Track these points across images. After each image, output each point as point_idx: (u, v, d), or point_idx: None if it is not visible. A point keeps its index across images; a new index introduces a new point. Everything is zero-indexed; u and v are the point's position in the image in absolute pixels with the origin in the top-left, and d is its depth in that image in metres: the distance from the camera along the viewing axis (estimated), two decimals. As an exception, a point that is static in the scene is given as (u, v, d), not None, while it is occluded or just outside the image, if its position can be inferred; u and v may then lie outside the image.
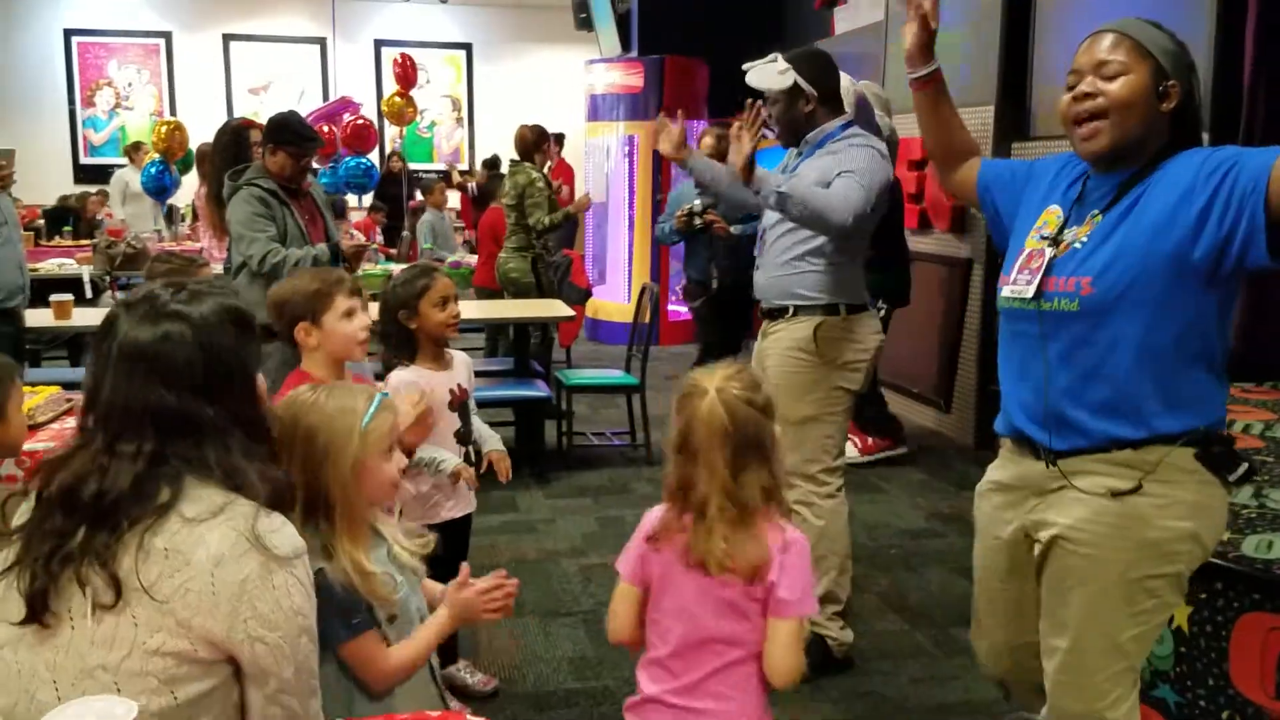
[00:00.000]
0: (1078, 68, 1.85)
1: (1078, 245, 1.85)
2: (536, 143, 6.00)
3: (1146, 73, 1.79)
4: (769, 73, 3.05)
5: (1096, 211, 1.86)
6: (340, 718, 1.63)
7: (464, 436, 2.84)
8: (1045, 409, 1.86)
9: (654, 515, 1.74)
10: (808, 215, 2.90)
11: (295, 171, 4.19)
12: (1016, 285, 1.91)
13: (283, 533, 1.35)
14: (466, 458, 2.84)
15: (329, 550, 1.60)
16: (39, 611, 1.28)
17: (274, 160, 4.15)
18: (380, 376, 3.06)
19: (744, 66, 3.11)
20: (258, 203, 4.07)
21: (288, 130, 4.18)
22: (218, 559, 1.29)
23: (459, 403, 2.82)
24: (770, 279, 3.15)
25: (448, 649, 2.99)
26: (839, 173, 2.93)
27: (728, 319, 5.26)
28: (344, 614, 1.59)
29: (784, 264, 3.09)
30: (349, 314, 2.41)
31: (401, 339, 2.79)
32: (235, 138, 5.21)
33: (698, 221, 5.00)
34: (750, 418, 1.63)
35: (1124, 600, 1.82)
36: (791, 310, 3.09)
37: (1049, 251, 1.88)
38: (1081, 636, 1.86)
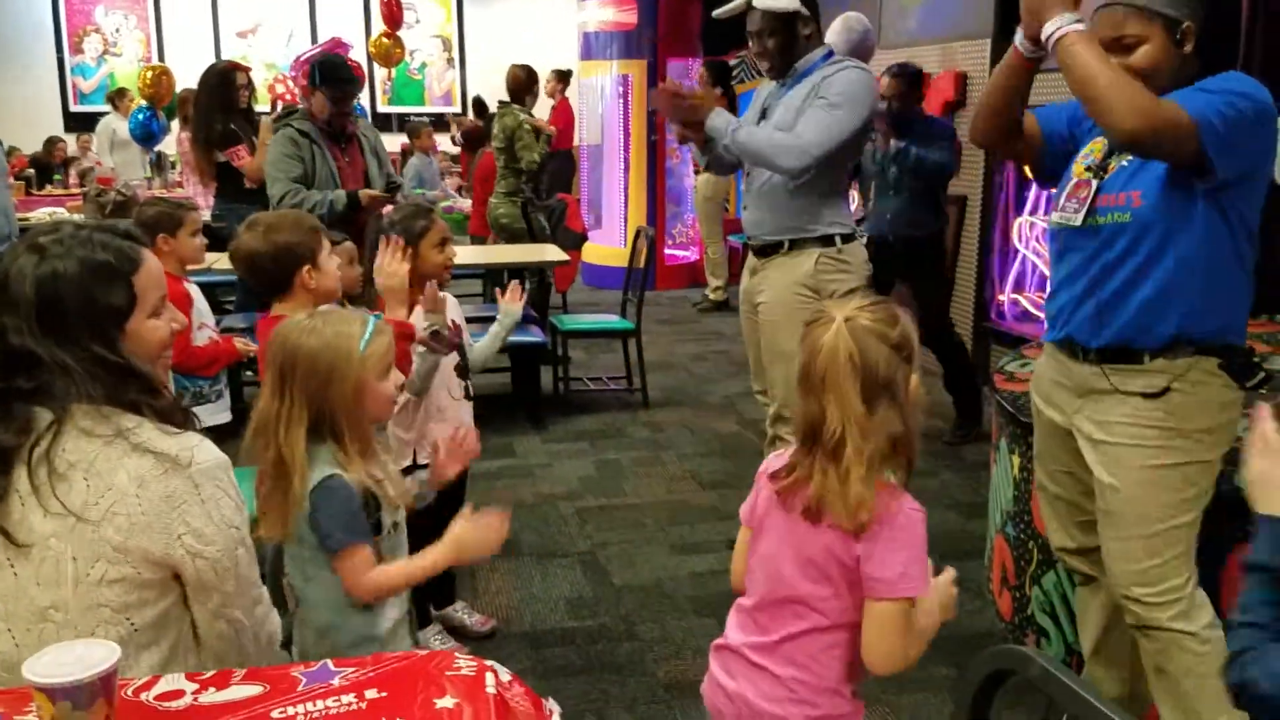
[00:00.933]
0: (1100, 41, 1.90)
1: (1124, 163, 1.96)
2: (528, 84, 5.92)
3: (1161, 32, 1.88)
4: None
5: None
6: (333, 623, 1.69)
7: (464, 370, 2.88)
8: (1092, 312, 1.99)
9: (777, 454, 1.62)
10: (761, 158, 2.98)
11: (334, 114, 4.23)
12: (1065, 213, 2.03)
13: (202, 446, 1.36)
14: (468, 393, 2.89)
15: (339, 463, 1.65)
16: None
17: (315, 102, 4.24)
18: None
19: (735, 8, 3.07)
20: (289, 144, 4.16)
21: (325, 72, 4.22)
22: (140, 479, 1.30)
23: (455, 341, 2.83)
24: (761, 214, 3.13)
25: (445, 590, 3.02)
26: (816, 101, 2.93)
27: (885, 278, 4.54)
28: (346, 522, 1.64)
29: (774, 197, 3.07)
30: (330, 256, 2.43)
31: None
32: (222, 80, 5.18)
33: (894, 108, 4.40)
34: (881, 353, 1.46)
35: (1168, 488, 1.95)
36: (786, 245, 3.08)
37: (1094, 182, 1.99)
38: (1133, 529, 1.97)
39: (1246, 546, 2.08)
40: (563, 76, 9.12)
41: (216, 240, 5.79)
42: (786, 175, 2.98)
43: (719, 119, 3.03)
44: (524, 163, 5.80)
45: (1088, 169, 2.02)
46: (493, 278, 6.20)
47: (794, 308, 2.98)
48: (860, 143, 3.12)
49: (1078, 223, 1.98)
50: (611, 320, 5.54)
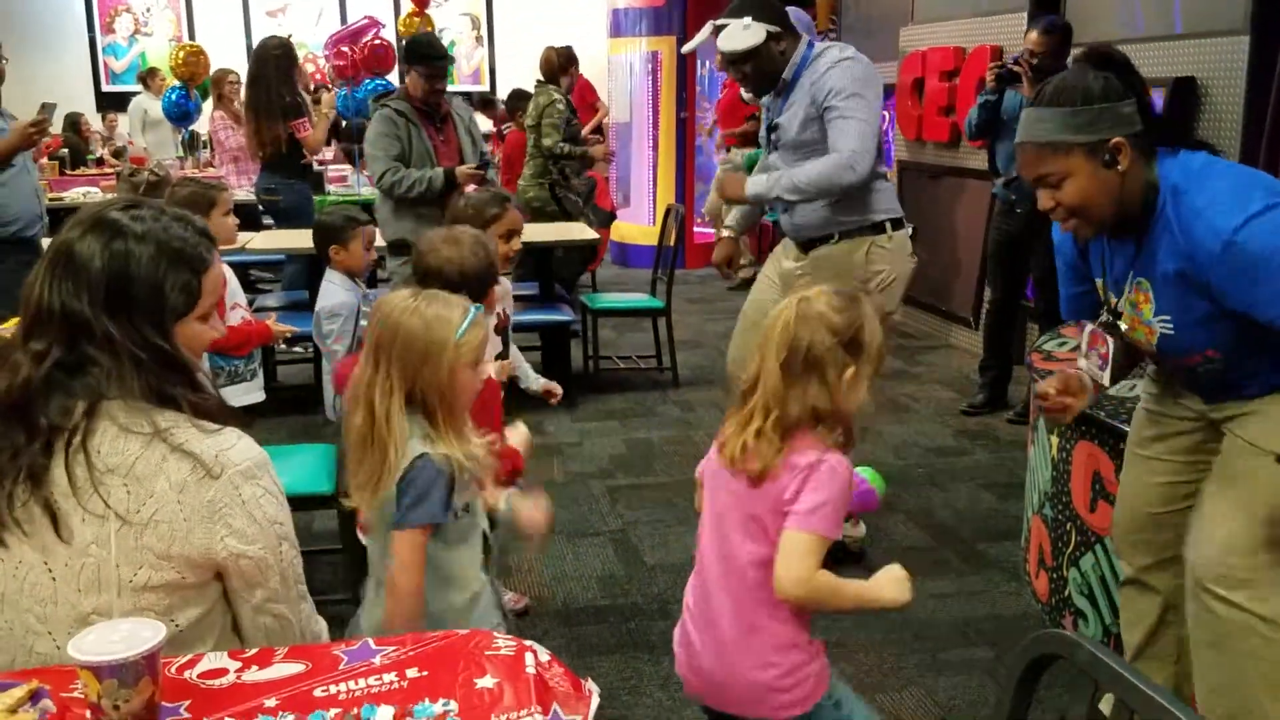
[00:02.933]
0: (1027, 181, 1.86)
1: (1168, 330, 1.86)
2: (563, 66, 5.90)
3: (1082, 159, 1.76)
4: (737, 35, 2.99)
5: (1141, 279, 1.87)
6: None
7: (503, 359, 2.88)
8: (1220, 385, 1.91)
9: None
10: (819, 197, 2.97)
11: (428, 92, 4.30)
12: (1090, 361, 1.99)
13: (239, 446, 1.35)
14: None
15: (430, 438, 1.66)
16: None
17: (411, 81, 4.31)
18: None
19: (703, 41, 3.08)
20: (387, 123, 4.24)
21: (417, 51, 4.27)
22: (180, 485, 1.29)
23: (503, 327, 2.84)
24: (802, 217, 3.11)
25: None
26: (831, 111, 2.93)
27: (1010, 245, 4.47)
28: (421, 503, 1.64)
29: (798, 209, 3.06)
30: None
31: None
32: (285, 53, 5.27)
33: (1011, 68, 4.25)
34: (818, 339, 1.59)
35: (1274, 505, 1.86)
36: (836, 237, 3.06)
37: (1109, 333, 1.95)
38: (1249, 518, 1.88)
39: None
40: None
41: (267, 212, 5.82)
42: (851, 189, 2.96)
43: (756, 185, 3.04)
44: (548, 142, 5.78)
45: (1100, 324, 1.97)
46: (524, 257, 6.20)
47: None
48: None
49: (1107, 387, 1.97)
50: (641, 299, 5.52)
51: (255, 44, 11.35)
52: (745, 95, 6.02)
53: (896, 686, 2.63)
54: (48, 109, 3.99)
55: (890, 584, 1.64)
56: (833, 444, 1.64)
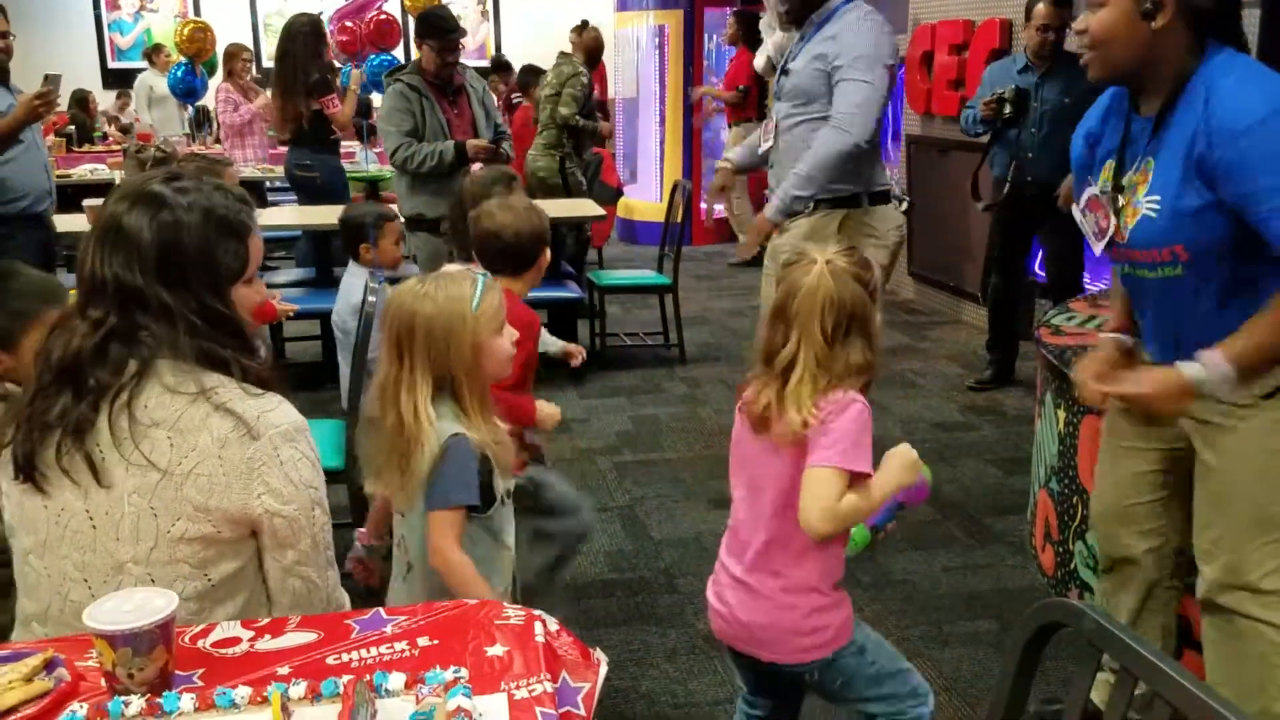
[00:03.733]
0: None
1: (1151, 212, 1.80)
2: (600, 49, 5.89)
3: None
4: None
5: (1148, 158, 1.81)
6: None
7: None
8: (1177, 341, 1.88)
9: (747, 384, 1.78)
10: (830, 175, 2.97)
11: (440, 66, 4.29)
12: (1085, 223, 1.94)
13: (281, 409, 1.37)
14: None
15: (461, 421, 1.68)
16: (28, 471, 1.32)
17: (424, 55, 4.29)
18: None
19: None
20: (399, 97, 4.24)
21: (429, 24, 4.27)
22: (223, 441, 1.31)
23: None
24: (785, 174, 3.10)
25: None
26: (839, 72, 2.91)
27: (1015, 227, 4.50)
28: (460, 482, 1.65)
29: (799, 156, 3.03)
30: None
31: (467, 236, 2.82)
32: (314, 30, 5.29)
33: (1008, 110, 4.23)
34: (855, 294, 1.63)
35: (1277, 473, 1.84)
36: (813, 205, 3.05)
37: (1112, 209, 1.87)
38: (1238, 509, 1.88)
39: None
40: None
41: (299, 188, 5.82)
42: (856, 152, 2.98)
43: (774, 210, 3.05)
44: (565, 111, 5.77)
45: (1102, 191, 1.91)
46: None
47: None
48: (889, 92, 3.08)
49: (1097, 253, 1.92)
50: (648, 275, 5.52)
51: (267, 20, 11.32)
52: (764, 26, 5.93)
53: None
54: (52, 80, 3.99)
55: (898, 470, 1.68)
56: (853, 386, 1.66)
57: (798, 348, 1.63)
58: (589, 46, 6.11)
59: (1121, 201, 1.86)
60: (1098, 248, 1.93)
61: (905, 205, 3.18)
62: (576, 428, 4.36)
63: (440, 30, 4.25)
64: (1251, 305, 1.77)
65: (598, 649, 1.34)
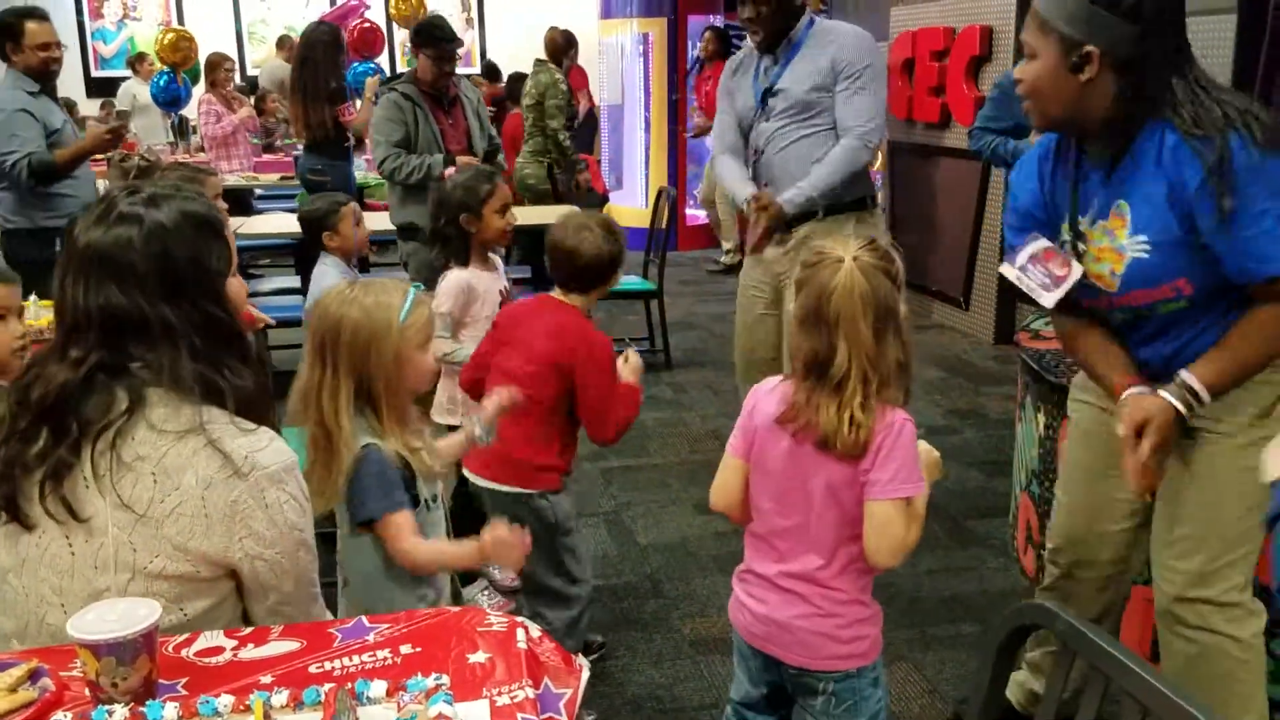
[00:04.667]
0: None
1: (1143, 253, 1.78)
2: (565, 47, 5.90)
3: (1052, 50, 1.72)
4: None
5: (1120, 200, 1.80)
6: (378, 599, 1.70)
7: None
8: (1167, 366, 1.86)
9: (765, 388, 1.71)
10: (846, 185, 2.99)
11: (437, 75, 4.28)
12: (1047, 294, 1.88)
13: (271, 448, 1.35)
14: None
15: (376, 432, 1.68)
16: (12, 512, 1.30)
17: (420, 64, 4.28)
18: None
19: None
20: (392, 107, 4.22)
21: (426, 33, 4.26)
22: (207, 482, 1.30)
23: (505, 302, 2.87)
24: (788, 187, 3.12)
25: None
26: (850, 82, 2.97)
27: None
28: (386, 488, 1.66)
29: (800, 168, 3.06)
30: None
31: (459, 241, 2.83)
32: (334, 38, 5.33)
33: None
34: (888, 288, 1.59)
35: (1250, 486, 1.85)
36: (821, 213, 3.06)
37: (1074, 257, 1.86)
38: (1208, 522, 1.88)
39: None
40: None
41: (313, 191, 5.83)
42: (873, 155, 3.07)
43: (794, 201, 3.02)
44: (554, 124, 5.78)
45: (1062, 242, 1.88)
46: (518, 239, 6.21)
47: None
48: None
49: (1048, 305, 1.87)
50: (633, 281, 5.53)
51: (251, 29, 11.30)
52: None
53: (885, 662, 2.62)
54: (121, 116, 4.08)
55: (929, 472, 1.68)
56: (898, 400, 1.62)
57: (849, 354, 1.57)
58: (549, 49, 6.11)
59: (1082, 248, 1.85)
60: (1049, 299, 1.87)
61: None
62: (562, 434, 4.37)
63: (438, 39, 4.24)
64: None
65: (580, 654, 1.35)
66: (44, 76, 4.07)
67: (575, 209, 2.55)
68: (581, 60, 9.33)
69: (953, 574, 3.11)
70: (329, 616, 1.54)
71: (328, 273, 3.17)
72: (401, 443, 1.68)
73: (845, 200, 3.06)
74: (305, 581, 1.41)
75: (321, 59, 5.21)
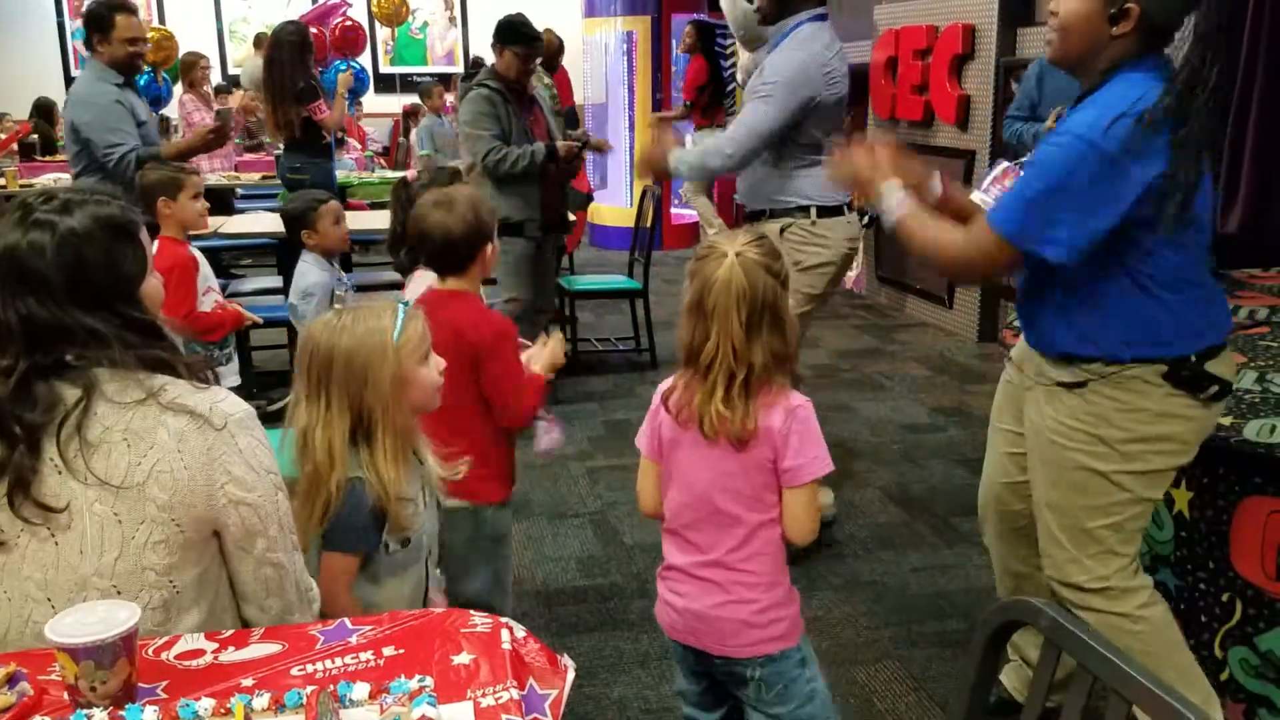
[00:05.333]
0: None
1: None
2: (559, 51, 5.87)
3: None
4: None
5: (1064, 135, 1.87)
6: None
7: None
8: (1029, 316, 1.97)
9: (665, 385, 1.77)
10: (703, 177, 3.06)
11: (521, 72, 4.31)
12: (983, 195, 2.03)
13: (230, 399, 1.37)
14: None
15: (366, 467, 1.62)
16: None
17: (501, 61, 4.29)
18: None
19: None
20: (485, 102, 4.23)
21: (514, 30, 4.27)
22: (179, 435, 1.30)
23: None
24: (751, 184, 3.22)
25: None
26: (754, 91, 3.02)
27: None
28: (348, 528, 1.61)
29: (762, 167, 3.10)
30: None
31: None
32: (302, 38, 5.34)
33: None
34: (767, 284, 1.65)
35: (1092, 491, 1.90)
36: (768, 213, 3.15)
37: (1016, 174, 1.94)
38: (1048, 517, 1.97)
39: (1257, 501, 2.11)
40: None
41: (293, 190, 5.85)
42: (720, 173, 3.14)
43: (676, 160, 3.11)
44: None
45: (1018, 162, 2.00)
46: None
47: None
48: (821, 114, 3.06)
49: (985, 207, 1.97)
50: (619, 280, 5.53)
51: (232, 27, 11.24)
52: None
53: (872, 659, 2.66)
54: (224, 115, 4.09)
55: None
56: (784, 386, 1.68)
57: (718, 343, 1.64)
58: (546, 53, 6.08)
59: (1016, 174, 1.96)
60: (979, 198, 2.00)
61: (866, 220, 3.19)
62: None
63: (527, 37, 4.28)
64: (1093, 312, 1.84)
65: (565, 655, 1.34)
66: (128, 70, 4.12)
67: (444, 190, 2.45)
68: (565, 59, 9.34)
69: (939, 571, 3.12)
70: (310, 580, 1.52)
71: (308, 270, 3.16)
72: (388, 485, 1.60)
73: (788, 205, 3.11)
74: (287, 526, 1.43)
75: (288, 59, 5.21)
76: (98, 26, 4.00)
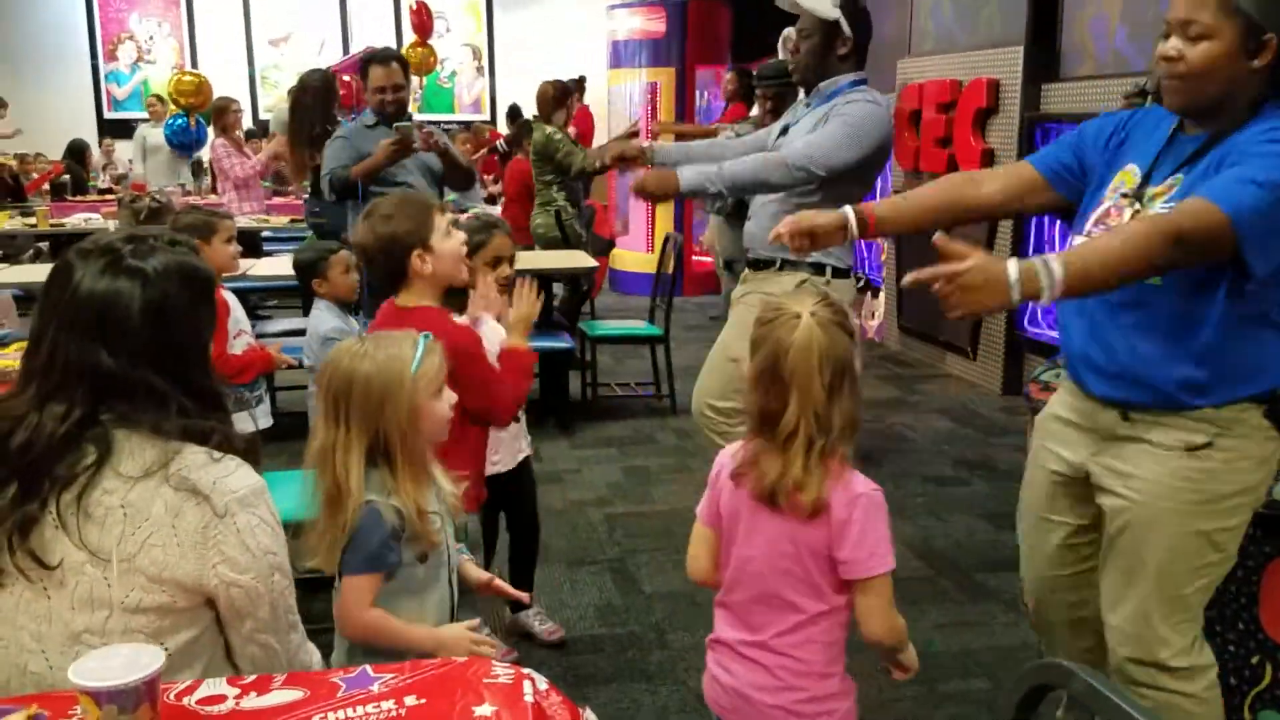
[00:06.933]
0: (1168, 19, 1.72)
1: (1158, 210, 1.76)
2: (559, 99, 5.89)
3: (1233, 33, 1.65)
4: (820, 2, 2.99)
5: (1179, 174, 1.78)
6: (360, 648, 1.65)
7: None
8: (1120, 370, 1.83)
9: (729, 452, 1.71)
10: (753, 184, 2.96)
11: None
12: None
13: (238, 474, 1.34)
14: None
15: (388, 488, 1.63)
16: None
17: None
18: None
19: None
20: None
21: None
22: (176, 510, 1.29)
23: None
24: (761, 229, 3.12)
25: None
26: (821, 123, 2.94)
27: None
28: (367, 550, 1.61)
29: (776, 215, 3.05)
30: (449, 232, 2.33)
31: (455, 289, 2.80)
32: (326, 86, 5.48)
33: (1149, 102, 3.74)
34: (844, 344, 1.58)
35: (1194, 553, 1.82)
36: (778, 263, 3.08)
37: (1128, 211, 1.80)
38: (1146, 588, 1.85)
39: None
40: (577, 85, 9.06)
41: (318, 234, 5.96)
42: (778, 190, 2.97)
43: (689, 175, 2.99)
44: (577, 165, 5.79)
45: (1123, 195, 1.85)
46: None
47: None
48: (867, 177, 3.04)
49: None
50: (640, 326, 5.54)
51: (264, 73, 11.45)
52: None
53: (893, 717, 2.61)
54: (404, 129, 4.18)
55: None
56: (849, 460, 1.61)
57: (799, 412, 1.55)
58: (540, 106, 6.02)
59: (1138, 208, 1.81)
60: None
61: (862, 284, 3.16)
62: (568, 478, 4.35)
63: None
64: (1229, 346, 1.74)
65: (587, 708, 1.32)
66: (380, 114, 4.38)
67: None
68: (592, 106, 9.43)
69: (963, 628, 3.07)
70: (311, 649, 1.52)
71: (323, 317, 3.18)
72: (412, 501, 1.63)
73: (805, 260, 3.01)
74: (282, 608, 1.40)
75: (312, 103, 5.32)
76: (364, 74, 4.48)
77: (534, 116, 6.13)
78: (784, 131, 3.16)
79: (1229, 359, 1.76)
